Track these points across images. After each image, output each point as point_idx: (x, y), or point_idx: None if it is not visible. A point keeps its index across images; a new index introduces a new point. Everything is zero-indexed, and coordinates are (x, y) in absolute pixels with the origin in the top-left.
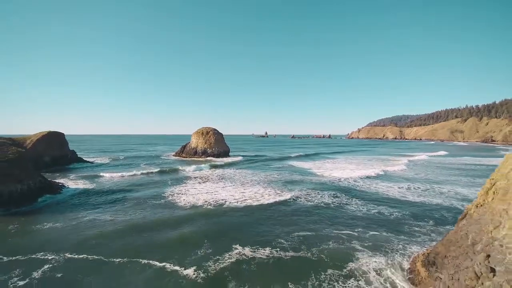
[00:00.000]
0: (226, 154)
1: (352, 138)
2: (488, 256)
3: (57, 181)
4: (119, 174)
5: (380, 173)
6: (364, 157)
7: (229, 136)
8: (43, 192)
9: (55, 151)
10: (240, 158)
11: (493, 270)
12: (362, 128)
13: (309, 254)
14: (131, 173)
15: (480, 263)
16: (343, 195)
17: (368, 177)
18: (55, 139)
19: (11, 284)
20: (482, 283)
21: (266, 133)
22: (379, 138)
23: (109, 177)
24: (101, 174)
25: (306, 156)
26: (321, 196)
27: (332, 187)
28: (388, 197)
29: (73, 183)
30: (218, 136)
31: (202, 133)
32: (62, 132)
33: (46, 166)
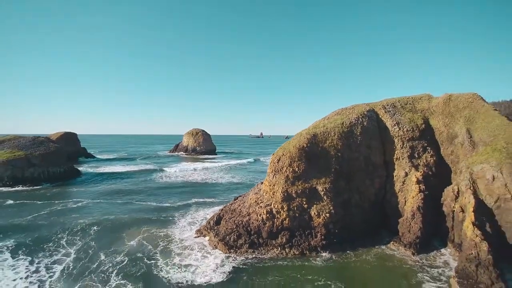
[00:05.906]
0: (212, 152)
1: None
2: None
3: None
4: (122, 165)
5: None
6: None
7: (226, 136)
8: (73, 175)
9: (70, 147)
10: (222, 155)
11: None
12: None
13: (231, 199)
14: (131, 165)
15: None
16: None
17: None
18: (69, 138)
19: (71, 205)
20: None
21: (262, 134)
22: None
23: (114, 167)
24: (108, 165)
25: None
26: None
27: None
28: None
29: (88, 171)
30: (206, 136)
31: (192, 134)
32: (75, 132)
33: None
